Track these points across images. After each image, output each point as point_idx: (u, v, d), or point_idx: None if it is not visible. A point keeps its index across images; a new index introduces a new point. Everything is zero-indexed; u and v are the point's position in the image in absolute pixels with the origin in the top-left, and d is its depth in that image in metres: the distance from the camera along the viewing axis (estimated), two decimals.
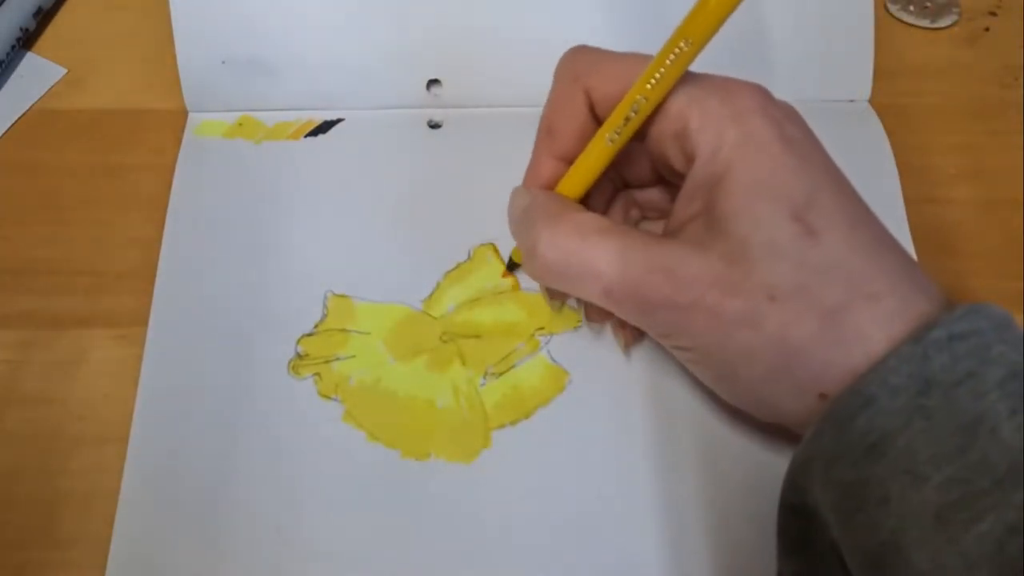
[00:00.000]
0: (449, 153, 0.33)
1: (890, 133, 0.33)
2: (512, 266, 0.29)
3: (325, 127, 0.33)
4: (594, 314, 0.28)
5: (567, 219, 0.23)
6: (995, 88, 0.37)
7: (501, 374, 0.28)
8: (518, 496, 0.25)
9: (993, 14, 0.39)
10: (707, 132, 0.22)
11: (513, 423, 0.27)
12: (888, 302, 0.21)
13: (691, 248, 0.22)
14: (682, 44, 0.22)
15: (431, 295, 0.29)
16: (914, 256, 0.30)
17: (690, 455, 0.26)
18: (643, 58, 0.23)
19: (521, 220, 0.25)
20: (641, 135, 0.24)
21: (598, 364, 0.28)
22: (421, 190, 0.31)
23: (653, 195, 0.27)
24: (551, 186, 0.26)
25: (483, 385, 0.27)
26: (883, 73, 0.35)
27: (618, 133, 0.24)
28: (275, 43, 0.33)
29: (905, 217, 0.31)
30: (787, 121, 0.23)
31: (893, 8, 0.39)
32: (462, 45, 0.33)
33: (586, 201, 0.26)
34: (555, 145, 0.25)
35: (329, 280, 0.29)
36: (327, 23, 0.33)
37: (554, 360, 0.28)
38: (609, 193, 0.27)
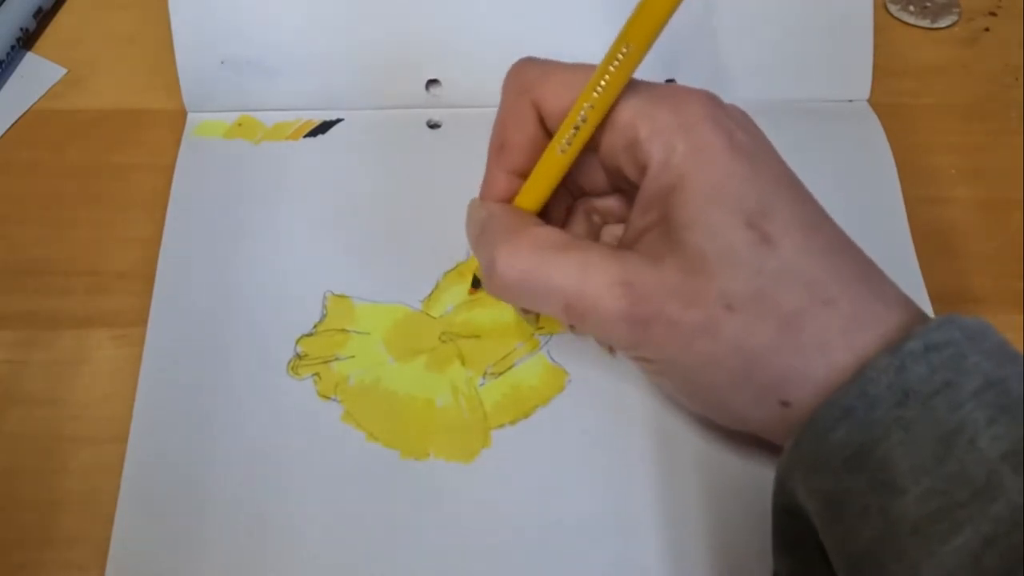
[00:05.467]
0: (448, 153, 0.33)
1: (890, 133, 0.33)
2: (477, 283, 0.29)
3: (324, 127, 0.33)
4: None
5: (524, 235, 0.23)
6: (995, 88, 0.37)
7: (500, 374, 0.28)
8: (518, 496, 0.25)
9: (993, 14, 0.39)
10: (657, 143, 0.22)
11: (513, 423, 0.27)
12: (844, 307, 0.21)
13: (648, 260, 0.22)
14: (624, 50, 0.22)
15: (430, 295, 0.29)
16: (914, 256, 0.30)
17: (689, 454, 0.26)
18: (590, 67, 0.23)
19: (480, 236, 0.24)
20: (594, 146, 0.24)
21: (597, 364, 0.28)
22: (420, 190, 0.32)
23: (611, 203, 0.27)
24: (507, 201, 0.25)
25: (482, 385, 0.27)
26: (883, 73, 0.35)
27: (569, 143, 0.23)
28: (274, 43, 0.33)
29: (905, 217, 0.31)
30: (737, 128, 0.22)
31: (893, 8, 0.39)
32: (461, 45, 0.33)
33: (545, 212, 0.25)
34: (507, 160, 0.25)
35: (328, 280, 0.29)
36: (326, 23, 0.33)
37: (553, 360, 0.28)
38: (567, 202, 0.27)
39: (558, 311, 0.23)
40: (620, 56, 0.22)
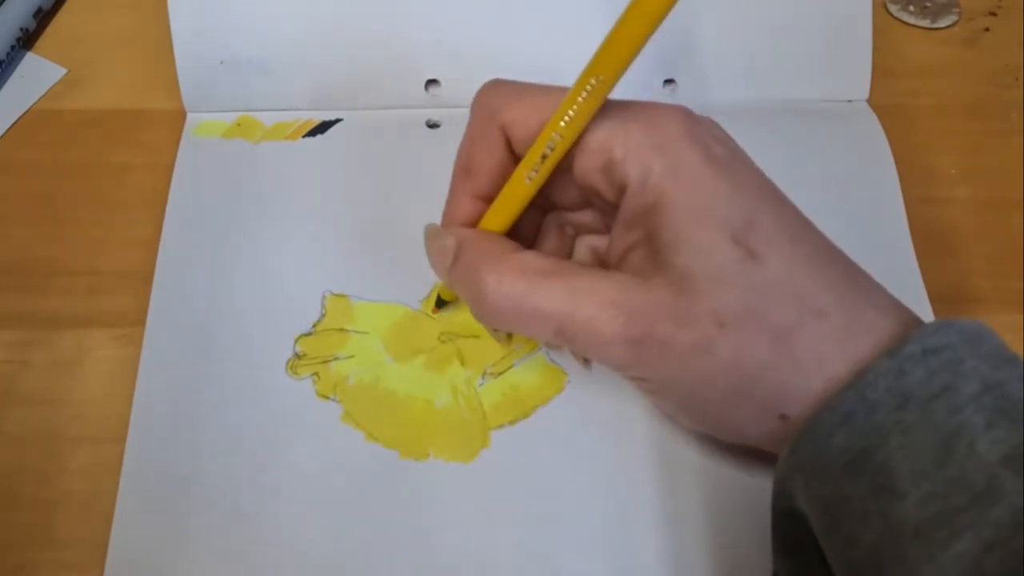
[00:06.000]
0: (447, 153, 0.32)
1: (890, 133, 0.33)
2: (440, 303, 0.29)
3: (323, 127, 0.33)
4: None
5: (508, 261, 0.23)
6: (995, 88, 0.37)
7: (500, 374, 0.28)
8: (517, 496, 0.25)
9: (993, 14, 0.39)
10: (633, 163, 0.22)
11: (512, 423, 0.27)
12: (836, 317, 0.21)
13: (637, 281, 0.22)
14: (592, 80, 0.21)
15: (430, 295, 0.29)
16: (913, 256, 0.30)
17: (689, 454, 0.26)
18: (561, 91, 0.22)
19: (456, 264, 0.24)
20: (567, 167, 0.23)
21: (596, 364, 0.28)
22: (419, 190, 0.31)
23: (585, 216, 0.26)
24: (471, 226, 0.25)
25: (482, 385, 0.27)
26: (883, 73, 0.35)
27: (536, 171, 0.23)
28: (273, 43, 0.33)
29: (905, 217, 0.31)
30: (714, 142, 0.22)
31: (893, 8, 0.39)
32: (460, 45, 0.33)
33: (515, 228, 0.25)
34: (473, 184, 0.25)
35: (327, 280, 0.29)
36: (325, 23, 0.33)
37: (552, 360, 0.28)
38: (538, 219, 0.27)
39: (549, 335, 0.22)
40: (589, 87, 0.21)
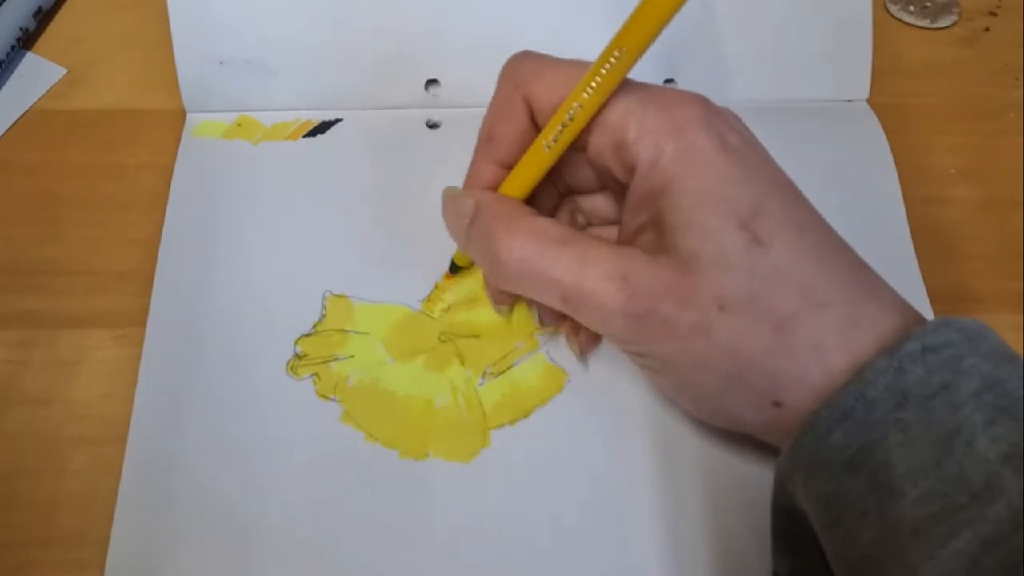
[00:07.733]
0: (447, 153, 0.32)
1: (890, 133, 0.33)
2: (455, 268, 0.29)
3: (323, 127, 0.33)
4: (547, 318, 0.28)
5: (523, 224, 0.23)
6: (995, 88, 0.37)
7: (500, 374, 0.28)
8: (517, 496, 0.25)
9: (993, 14, 0.39)
10: (645, 144, 0.22)
11: (512, 423, 0.27)
12: (839, 309, 0.21)
13: (645, 257, 0.22)
14: (616, 54, 0.22)
15: (429, 295, 0.29)
16: (913, 256, 0.30)
17: (688, 454, 0.26)
18: (585, 65, 0.23)
19: (473, 224, 0.24)
20: (581, 146, 0.24)
21: (597, 363, 0.28)
22: (419, 190, 0.31)
23: (598, 202, 0.27)
24: (491, 191, 0.26)
25: (482, 385, 0.27)
26: (883, 73, 0.35)
27: (555, 140, 0.24)
28: (273, 43, 0.33)
29: (905, 217, 0.31)
30: (728, 130, 0.22)
31: (893, 8, 0.39)
32: (460, 45, 0.33)
33: (532, 207, 0.25)
34: (495, 151, 0.25)
35: (327, 280, 0.29)
36: (325, 23, 0.33)
37: (553, 360, 0.28)
38: (555, 199, 0.27)
39: (556, 301, 0.23)
40: (612, 60, 0.22)
